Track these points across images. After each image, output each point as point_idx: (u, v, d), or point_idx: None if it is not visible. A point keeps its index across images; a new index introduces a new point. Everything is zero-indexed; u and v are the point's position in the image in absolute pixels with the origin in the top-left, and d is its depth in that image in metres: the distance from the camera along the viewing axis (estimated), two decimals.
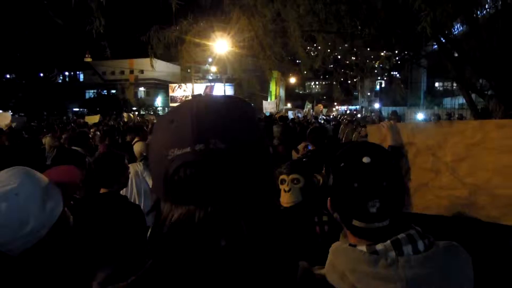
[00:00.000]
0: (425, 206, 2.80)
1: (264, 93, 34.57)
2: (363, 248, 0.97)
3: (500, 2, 3.88)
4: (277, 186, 2.43)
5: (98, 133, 9.34)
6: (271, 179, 0.71)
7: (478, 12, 4.22)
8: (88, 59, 52.04)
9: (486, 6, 4.54)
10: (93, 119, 17.01)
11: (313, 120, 16.16)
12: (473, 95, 4.43)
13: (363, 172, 1.00)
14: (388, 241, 0.96)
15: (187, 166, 0.60)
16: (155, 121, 13.23)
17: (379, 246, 0.96)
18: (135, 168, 4.14)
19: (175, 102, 43.57)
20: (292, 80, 41.00)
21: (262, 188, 0.66)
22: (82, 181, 2.85)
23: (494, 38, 3.93)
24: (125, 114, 20.71)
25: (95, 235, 2.23)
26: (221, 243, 0.60)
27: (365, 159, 1.01)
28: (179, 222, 0.62)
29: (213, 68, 35.41)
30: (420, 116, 12.65)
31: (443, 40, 4.23)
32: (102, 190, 2.50)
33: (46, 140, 7.03)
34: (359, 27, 5.05)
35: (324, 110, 40.11)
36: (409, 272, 0.92)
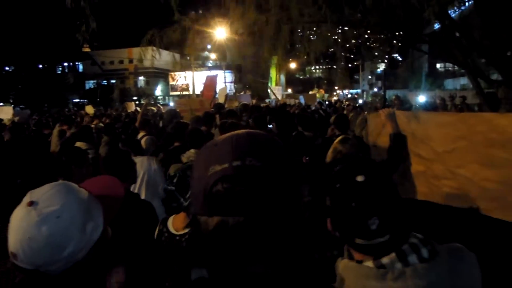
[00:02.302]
0: (421, 193, 2.86)
1: (265, 80, 34.34)
2: (369, 263, 0.99)
3: None
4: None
5: (102, 124, 9.31)
6: (298, 195, 0.78)
7: None
8: (87, 49, 51.62)
9: None
10: (90, 109, 17.02)
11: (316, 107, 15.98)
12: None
13: (359, 191, 1.02)
14: (393, 254, 0.97)
15: (225, 180, 0.67)
16: (156, 111, 13.21)
17: (385, 260, 0.97)
18: (145, 162, 3.98)
19: (176, 90, 43.46)
20: (292, 65, 40.67)
21: (291, 202, 0.72)
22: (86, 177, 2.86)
23: (502, 22, 3.87)
24: (128, 104, 20.46)
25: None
26: (248, 252, 0.67)
27: (360, 178, 1.02)
28: (214, 231, 0.68)
29: (213, 55, 35.15)
30: (422, 98, 12.43)
31: (447, 24, 4.17)
32: None
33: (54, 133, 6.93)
34: (360, 15, 5.04)
35: (326, 95, 39.90)
36: (418, 281, 0.93)
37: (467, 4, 5.08)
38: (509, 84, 3.50)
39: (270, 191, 0.68)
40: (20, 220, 1.06)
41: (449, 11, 5.68)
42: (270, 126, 5.98)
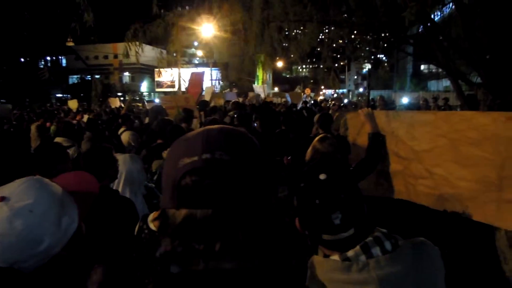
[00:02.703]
0: (398, 192, 2.89)
1: (251, 78, 34.30)
2: (336, 257, 1.03)
3: None
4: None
5: (84, 120, 9.14)
6: (270, 190, 0.78)
7: None
8: (70, 43, 50.61)
9: None
10: (73, 103, 16.68)
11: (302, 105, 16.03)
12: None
13: (321, 188, 1.06)
14: (358, 246, 1.02)
15: (194, 172, 0.68)
16: (141, 108, 13.04)
17: (350, 253, 1.02)
18: (127, 159, 3.93)
19: (161, 87, 43.03)
20: (279, 64, 40.76)
21: (261, 197, 0.72)
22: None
23: (481, 24, 3.96)
24: (112, 100, 20.10)
25: (87, 231, 2.20)
26: (216, 246, 0.66)
27: (322, 176, 1.07)
28: (181, 224, 0.68)
29: (199, 52, 34.91)
30: (405, 100, 12.56)
31: (430, 26, 4.25)
32: None
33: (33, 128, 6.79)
34: (345, 15, 5.10)
35: (312, 94, 40.07)
36: (380, 272, 0.97)
37: (449, 6, 5.18)
38: (488, 86, 3.58)
39: (238, 185, 0.68)
40: None
41: (433, 14, 5.79)
42: (255, 124, 5.98)
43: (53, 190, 1.14)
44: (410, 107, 10.67)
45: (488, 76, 3.67)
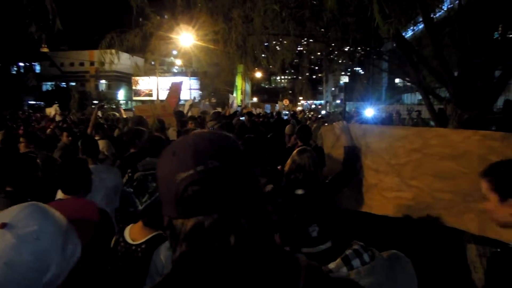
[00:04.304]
0: (373, 206, 2.90)
1: (229, 87, 34.37)
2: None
3: (457, 3, 4.09)
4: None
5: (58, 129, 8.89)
6: (257, 186, 0.84)
7: (434, 14, 4.44)
8: (45, 49, 49.42)
9: (443, 6, 4.78)
10: (52, 109, 16.08)
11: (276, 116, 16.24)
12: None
13: (299, 203, 1.12)
14: (339, 259, 1.07)
15: (193, 184, 0.74)
16: (117, 115, 12.81)
17: (331, 265, 1.06)
18: (104, 171, 3.86)
19: (139, 95, 42.49)
20: (258, 74, 41.06)
21: (252, 193, 0.79)
22: (38, 181, 2.73)
23: (449, 41, 4.14)
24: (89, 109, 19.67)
25: None
26: (231, 240, 0.73)
27: (299, 191, 1.13)
28: (191, 231, 0.74)
29: (178, 61, 34.79)
30: (370, 112, 12.25)
31: (401, 43, 4.42)
32: (64, 196, 2.41)
33: None
34: (322, 30, 5.24)
35: (290, 105, 40.48)
36: (361, 282, 1.01)
37: (419, 26, 5.42)
38: (456, 102, 3.73)
39: (234, 186, 0.76)
40: None
41: (405, 31, 6.02)
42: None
43: (55, 216, 1.07)
44: (384, 120, 10.86)
45: (456, 92, 3.83)
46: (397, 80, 40.08)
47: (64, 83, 50.21)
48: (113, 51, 5.90)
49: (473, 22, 3.62)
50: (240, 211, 0.75)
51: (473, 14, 3.67)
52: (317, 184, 1.01)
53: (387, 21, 3.08)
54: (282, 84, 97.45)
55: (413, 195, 2.69)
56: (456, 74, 4.00)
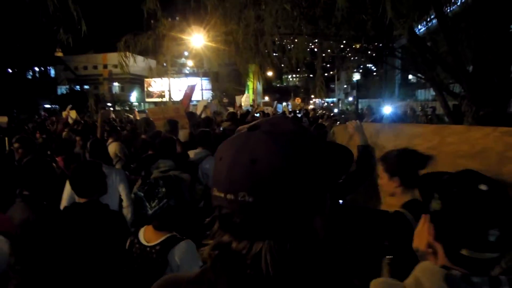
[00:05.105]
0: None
1: (241, 87, 34.41)
2: (457, 274, 0.93)
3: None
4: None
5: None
6: (309, 227, 0.71)
7: (448, 9, 4.36)
8: (59, 54, 50.27)
9: (457, 1, 4.70)
10: (72, 113, 16.27)
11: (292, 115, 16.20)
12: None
13: (483, 199, 0.96)
14: (486, 278, 0.92)
15: (222, 208, 0.68)
16: (131, 117, 12.97)
17: (475, 279, 0.91)
18: (112, 174, 3.84)
19: (151, 97, 42.87)
20: (269, 73, 41.00)
21: (294, 227, 0.68)
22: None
23: (464, 38, 4.06)
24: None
25: (78, 245, 2.19)
26: (262, 268, 0.65)
27: (483, 187, 0.98)
28: (219, 245, 0.69)
29: (190, 62, 34.96)
30: (388, 109, 12.12)
31: (415, 39, 4.36)
32: (80, 200, 2.44)
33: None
34: (334, 28, 5.20)
35: (302, 104, 40.31)
36: None
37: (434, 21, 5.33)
38: (470, 98, 3.66)
39: (266, 225, 0.66)
40: None
41: (417, 27, 5.93)
42: None
43: None
44: (397, 116, 10.70)
45: (470, 88, 3.76)
46: (410, 76, 39.61)
47: (78, 86, 51.00)
48: (130, 53, 5.99)
49: (489, 16, 3.54)
50: (274, 238, 0.66)
51: (488, 8, 3.59)
52: (499, 183, 0.93)
53: (400, 20, 3.04)
54: (294, 83, 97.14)
55: None
56: (470, 70, 3.92)
